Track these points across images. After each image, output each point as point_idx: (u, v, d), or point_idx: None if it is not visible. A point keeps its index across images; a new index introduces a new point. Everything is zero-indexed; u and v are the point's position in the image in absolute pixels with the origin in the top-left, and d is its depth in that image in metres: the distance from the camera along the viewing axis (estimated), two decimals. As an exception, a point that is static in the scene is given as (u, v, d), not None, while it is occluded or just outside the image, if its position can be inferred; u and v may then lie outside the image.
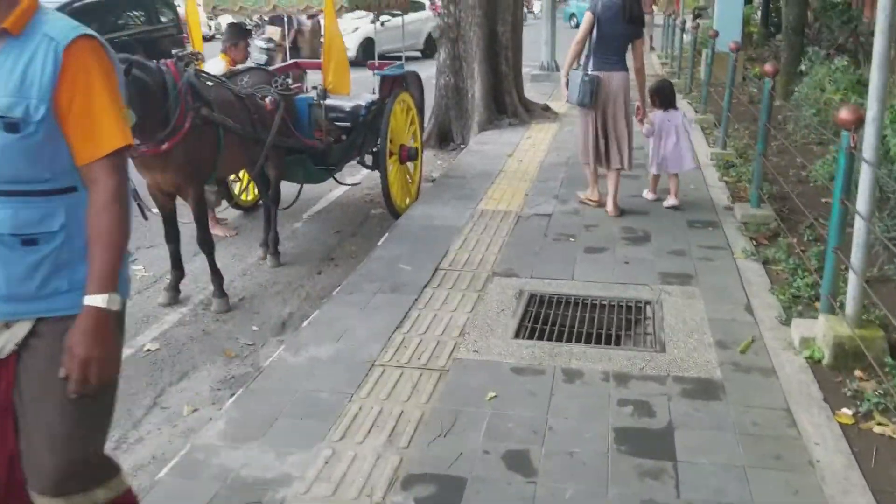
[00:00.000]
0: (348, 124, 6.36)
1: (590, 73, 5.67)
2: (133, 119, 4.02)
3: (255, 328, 4.72)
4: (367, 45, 16.61)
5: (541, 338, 3.84)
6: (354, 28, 17.82)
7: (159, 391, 4.01)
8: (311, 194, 7.26)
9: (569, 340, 3.82)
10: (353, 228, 6.64)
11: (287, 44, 9.06)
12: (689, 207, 6.01)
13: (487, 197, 6.34)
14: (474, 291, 4.40)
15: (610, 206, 5.82)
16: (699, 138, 8.58)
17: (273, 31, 9.66)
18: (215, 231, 6.44)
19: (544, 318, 4.08)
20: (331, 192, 7.58)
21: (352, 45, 16.49)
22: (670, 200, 6.01)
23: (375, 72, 6.62)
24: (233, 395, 3.88)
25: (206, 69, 5.92)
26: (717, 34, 9.95)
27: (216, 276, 4.98)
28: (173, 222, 4.98)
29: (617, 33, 5.66)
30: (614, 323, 4.07)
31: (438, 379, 3.42)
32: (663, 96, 6.12)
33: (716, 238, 5.28)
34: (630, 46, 5.82)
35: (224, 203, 6.62)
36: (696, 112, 9.93)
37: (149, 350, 4.41)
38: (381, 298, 4.33)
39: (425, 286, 4.48)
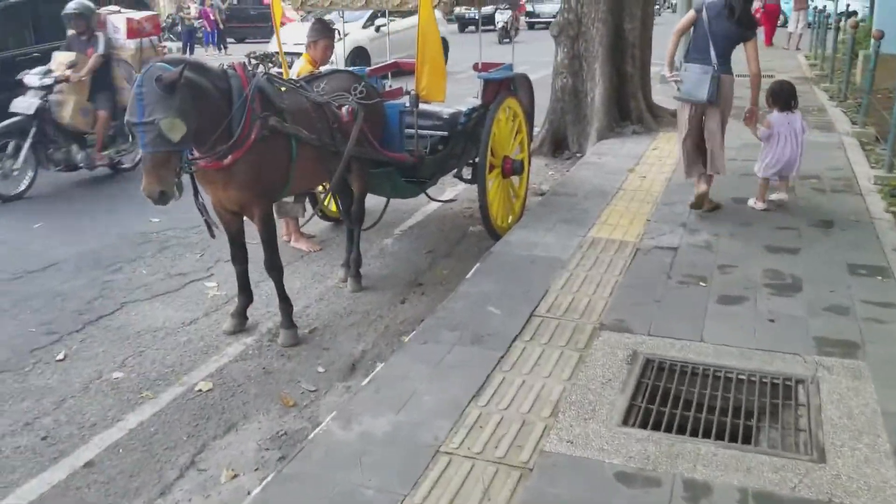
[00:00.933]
0: (445, 133, 5.67)
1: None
2: (182, 129, 3.47)
3: (321, 369, 4.10)
4: (359, 55, 14.08)
5: (657, 426, 3.01)
6: (343, 34, 15.19)
7: (200, 446, 3.45)
8: (406, 206, 6.64)
9: (694, 433, 2.97)
10: (448, 248, 5.95)
11: (83, 73, 7.02)
12: (850, 245, 4.95)
13: (601, 222, 5.48)
14: (575, 350, 3.60)
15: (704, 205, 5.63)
16: (858, 156, 7.36)
17: (63, 59, 7.16)
18: (298, 245, 5.94)
19: (663, 395, 3.24)
20: (427, 204, 6.92)
21: (338, 56, 14.33)
22: (780, 195, 5.80)
23: (479, 74, 5.89)
24: (281, 457, 3.28)
25: (291, 71, 5.40)
26: (882, 35, 8.60)
27: (285, 304, 4.41)
28: (240, 242, 4.44)
29: (721, 33, 5.31)
30: (755, 407, 3.18)
31: (518, 482, 2.66)
32: (783, 97, 5.74)
33: (887, 291, 4.23)
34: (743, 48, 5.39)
35: (311, 212, 6.08)
36: (854, 124, 8.63)
37: (200, 391, 3.88)
38: (460, 353, 3.60)
39: (516, 338, 3.72)
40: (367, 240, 6.09)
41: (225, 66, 4.05)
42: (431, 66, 5.10)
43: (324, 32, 5.38)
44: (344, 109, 4.34)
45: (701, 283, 4.37)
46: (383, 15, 13.36)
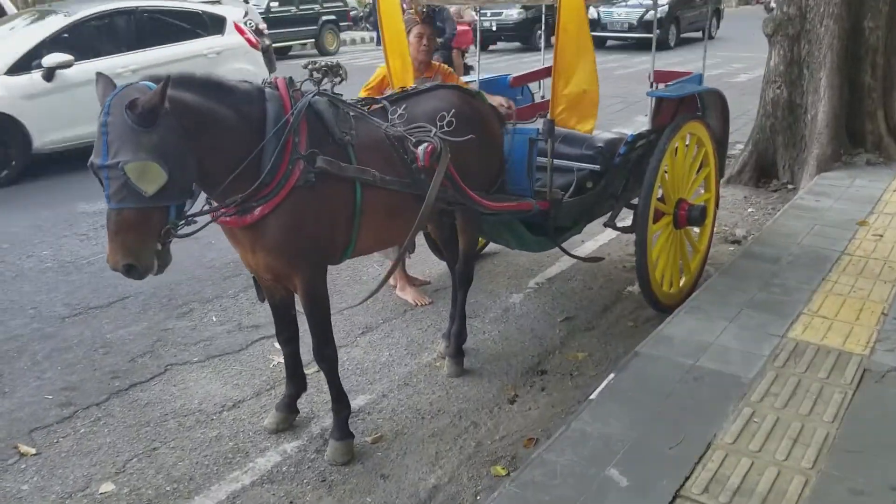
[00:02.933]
0: (597, 166, 4.24)
1: None
2: (160, 178, 2.37)
3: (366, 514, 2.89)
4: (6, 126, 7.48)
5: None
6: None
7: None
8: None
9: None
10: (591, 317, 4.51)
11: None
12: None
13: (811, 312, 3.78)
14: None
15: None
16: None
17: None
18: (404, 295, 4.77)
19: None
20: (577, 247, 5.49)
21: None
22: None
23: (650, 91, 4.36)
24: None
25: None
26: None
27: (339, 406, 3.23)
28: (286, 314, 3.32)
29: None
30: None
31: None
32: None
33: None
34: None
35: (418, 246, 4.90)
36: None
37: (193, 532, 2.80)
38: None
39: (642, 547, 2.28)
40: (492, 294, 4.82)
41: (266, 82, 2.92)
42: (579, 79, 3.69)
43: (417, 19, 4.12)
44: (420, 149, 3.03)
45: (977, 459, 2.65)
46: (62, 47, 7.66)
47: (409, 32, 4.21)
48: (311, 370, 3.65)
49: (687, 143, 4.39)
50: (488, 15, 18.79)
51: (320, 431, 3.41)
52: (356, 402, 3.62)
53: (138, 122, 2.35)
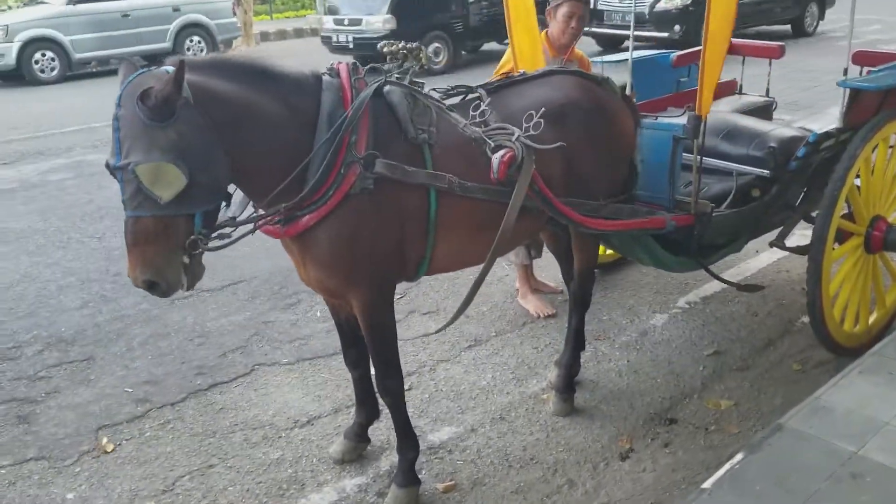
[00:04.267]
0: (766, 171, 3.40)
1: None
2: (179, 182, 1.99)
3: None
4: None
5: None
6: None
7: None
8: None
9: None
10: (748, 353, 3.71)
11: None
12: None
13: None
14: None
15: None
16: None
17: None
18: (525, 303, 4.22)
19: None
20: (750, 259, 4.62)
21: None
22: None
23: (841, 80, 3.40)
24: None
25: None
26: None
27: (405, 446, 2.77)
28: (353, 334, 2.88)
29: None
30: None
31: None
32: None
33: None
34: None
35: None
36: None
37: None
38: None
39: None
40: (630, 311, 4.14)
41: (325, 69, 2.45)
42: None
43: None
44: (495, 158, 2.41)
45: None
46: None
47: (555, 8, 3.58)
48: (391, 394, 3.20)
49: (891, 146, 3.43)
50: (345, 23, 11.93)
51: (389, 468, 2.96)
52: (439, 435, 3.16)
53: (152, 116, 1.97)
